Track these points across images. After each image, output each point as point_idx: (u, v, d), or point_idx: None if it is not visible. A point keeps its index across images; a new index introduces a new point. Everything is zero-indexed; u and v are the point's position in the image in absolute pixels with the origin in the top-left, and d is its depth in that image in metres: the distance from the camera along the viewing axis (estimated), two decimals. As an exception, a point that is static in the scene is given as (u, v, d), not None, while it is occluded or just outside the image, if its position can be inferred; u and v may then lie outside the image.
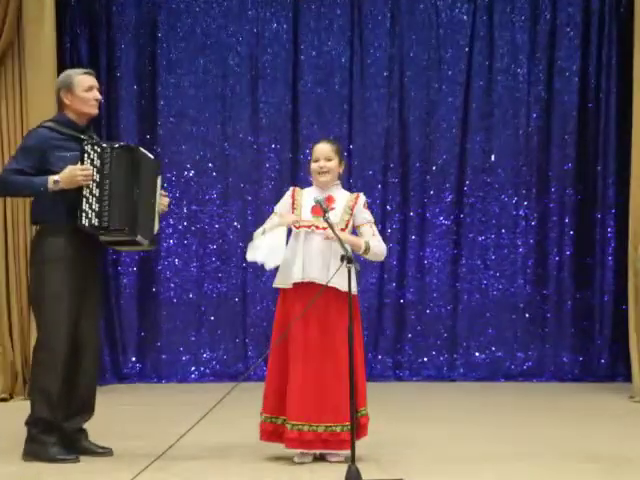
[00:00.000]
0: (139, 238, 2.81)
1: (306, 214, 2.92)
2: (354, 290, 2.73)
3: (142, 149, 2.89)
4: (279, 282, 2.93)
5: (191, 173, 5.18)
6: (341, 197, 2.96)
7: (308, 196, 2.95)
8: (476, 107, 5.25)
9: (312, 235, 2.87)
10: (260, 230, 2.92)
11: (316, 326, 2.83)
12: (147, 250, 3.21)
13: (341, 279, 2.71)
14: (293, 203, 2.97)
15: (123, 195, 2.76)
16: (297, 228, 2.91)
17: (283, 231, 2.84)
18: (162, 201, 2.99)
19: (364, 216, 2.95)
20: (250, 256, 2.85)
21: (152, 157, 2.99)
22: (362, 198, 2.96)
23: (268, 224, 2.95)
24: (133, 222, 2.77)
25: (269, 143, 5.19)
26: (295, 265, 2.82)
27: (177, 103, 5.14)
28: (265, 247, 2.81)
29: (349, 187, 4.91)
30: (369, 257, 2.91)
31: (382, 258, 2.97)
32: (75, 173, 2.76)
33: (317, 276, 2.81)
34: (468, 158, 5.26)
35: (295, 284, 2.86)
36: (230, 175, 5.19)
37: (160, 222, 3.05)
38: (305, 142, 5.08)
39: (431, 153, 5.26)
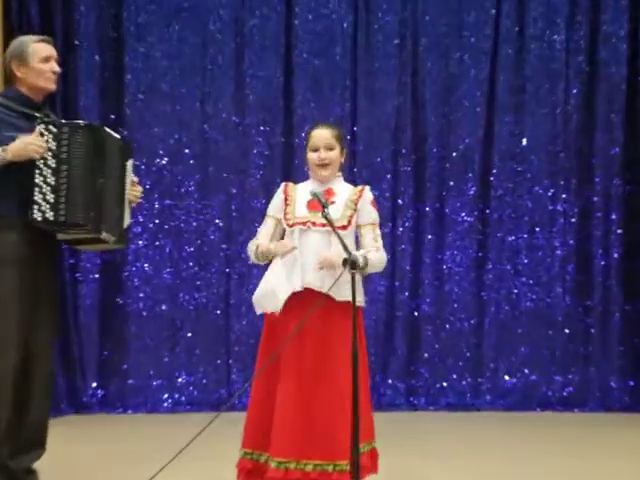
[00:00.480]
0: (104, 235, 2.79)
1: (301, 210, 2.93)
2: (360, 301, 2.74)
3: (107, 129, 2.87)
4: (256, 308, 2.91)
5: (164, 161, 5.15)
6: (342, 190, 2.97)
7: (303, 191, 2.96)
8: (504, 81, 5.23)
9: (308, 233, 2.88)
10: (253, 248, 2.92)
11: (311, 343, 2.82)
12: (115, 249, 3.17)
13: (342, 287, 2.71)
14: (286, 199, 2.98)
15: (84, 184, 2.74)
16: (290, 227, 2.92)
17: (281, 265, 2.84)
18: (133, 190, 2.96)
19: (369, 215, 2.95)
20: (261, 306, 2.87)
21: (119, 138, 2.94)
22: (368, 193, 2.97)
23: (262, 238, 2.94)
24: (96, 216, 2.75)
25: (257, 124, 5.17)
26: (294, 274, 2.82)
27: (147, 77, 5.11)
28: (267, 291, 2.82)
29: (352, 178, 4.98)
30: (366, 271, 2.86)
31: (381, 269, 2.95)
32: (27, 141, 2.72)
33: (311, 281, 2.81)
34: (495, 142, 5.24)
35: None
36: (211, 163, 5.16)
37: (132, 216, 3.01)
38: (300, 123, 5.06)
39: (451, 136, 5.24)
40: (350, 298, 2.63)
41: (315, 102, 5.15)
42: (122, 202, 2.89)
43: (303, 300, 2.79)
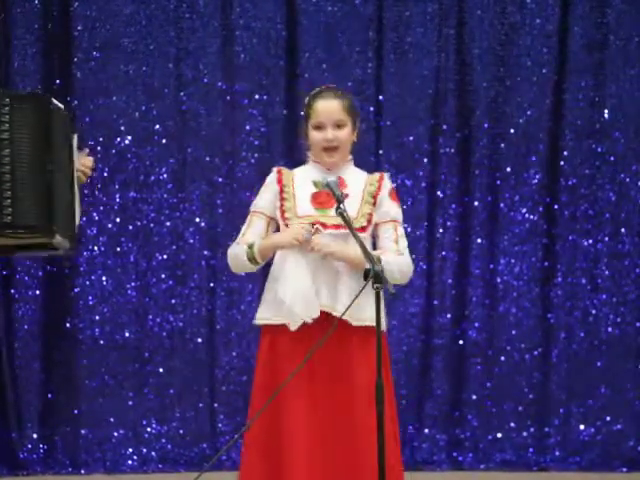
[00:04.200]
0: (57, 240, 2.75)
1: (304, 206, 2.92)
2: (382, 325, 2.74)
3: (54, 100, 2.78)
4: (269, 315, 2.92)
5: (127, 140, 4.96)
6: (356, 179, 2.99)
7: (304, 179, 2.96)
8: (580, 31, 5.02)
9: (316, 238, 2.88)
10: (240, 250, 2.94)
11: (326, 381, 2.85)
12: (61, 255, 3.10)
13: (360, 307, 2.75)
14: (282, 191, 2.97)
15: (32, 173, 2.67)
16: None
17: (305, 266, 2.89)
18: (81, 165, 2.90)
19: (389, 210, 2.97)
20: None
21: (62, 107, 2.84)
22: (388, 182, 3.00)
23: (250, 234, 2.96)
24: (50, 215, 2.69)
25: (250, 92, 4.99)
26: (295, 295, 2.85)
27: (103, 29, 4.93)
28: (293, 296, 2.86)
29: (376, 163, 4.89)
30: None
31: (406, 280, 2.97)
32: None
33: (328, 302, 2.84)
34: (567, 115, 5.05)
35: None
36: (189, 143, 5.01)
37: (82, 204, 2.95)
38: (308, 91, 4.79)
39: (507, 107, 5.04)
40: (369, 322, 2.71)
41: (327, 62, 4.99)
42: (72, 190, 2.84)
43: (314, 323, 2.82)
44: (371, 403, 2.55)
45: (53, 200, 2.71)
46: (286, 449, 2.84)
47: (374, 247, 2.97)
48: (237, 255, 2.92)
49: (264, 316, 2.92)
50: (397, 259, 2.89)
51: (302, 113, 3.05)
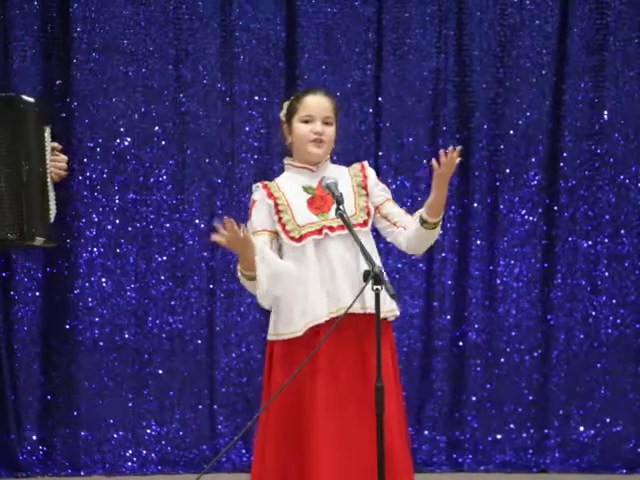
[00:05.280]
0: (38, 241, 2.78)
1: (304, 214, 2.90)
2: (392, 311, 2.87)
3: (24, 96, 2.81)
4: (285, 330, 2.88)
5: (126, 141, 4.97)
6: (340, 175, 2.96)
7: (293, 187, 2.94)
8: (580, 33, 5.00)
9: (326, 243, 2.87)
10: (249, 285, 2.90)
11: (349, 378, 2.84)
12: (46, 247, 3.09)
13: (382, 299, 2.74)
14: (276, 205, 2.93)
15: (7, 175, 2.71)
16: (297, 241, 2.89)
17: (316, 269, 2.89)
18: (55, 163, 2.87)
19: (383, 192, 3.00)
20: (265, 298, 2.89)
21: (34, 102, 2.84)
22: (370, 169, 3.02)
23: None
24: (29, 217, 2.72)
25: (250, 94, 5.01)
26: (313, 298, 2.84)
27: (102, 30, 4.94)
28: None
29: (375, 164, 4.87)
30: (430, 236, 2.95)
31: (431, 244, 3.05)
32: None
33: (350, 301, 2.76)
34: (566, 117, 5.04)
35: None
36: (189, 145, 5.02)
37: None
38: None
39: (507, 109, 5.05)
40: (389, 313, 2.84)
41: (327, 64, 4.99)
42: (46, 188, 2.83)
43: (337, 325, 2.76)
44: (390, 399, 2.61)
45: (31, 201, 2.73)
46: (309, 450, 2.79)
47: (381, 232, 3.00)
48: (246, 286, 2.88)
49: (282, 331, 2.86)
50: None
51: (283, 114, 2.99)
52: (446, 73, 5.00)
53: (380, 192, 2.97)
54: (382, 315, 2.69)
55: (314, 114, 2.90)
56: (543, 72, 4.98)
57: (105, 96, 4.89)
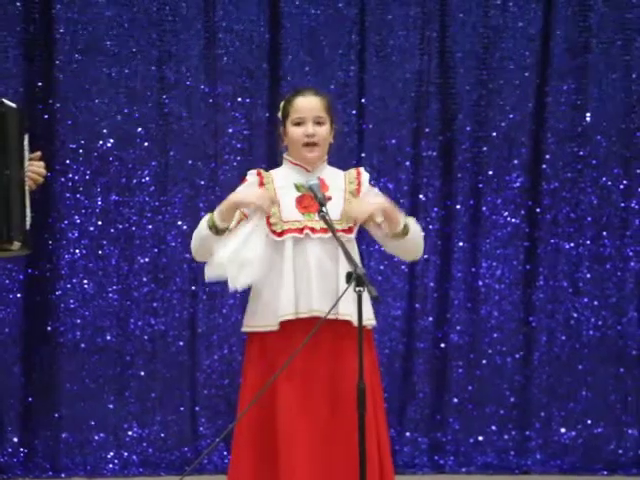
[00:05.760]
0: (15, 247, 2.78)
1: (290, 210, 2.90)
2: (370, 320, 2.84)
3: (6, 101, 2.80)
4: (256, 323, 2.89)
5: (109, 143, 4.95)
6: (335, 179, 2.97)
7: (285, 182, 2.94)
8: (563, 35, 5.00)
9: (306, 243, 2.86)
10: (205, 230, 2.88)
11: (322, 383, 2.84)
12: (19, 254, 3.07)
13: (355, 306, 2.69)
14: None
15: None
16: (278, 235, 2.88)
17: (262, 226, 2.86)
18: (33, 168, 2.86)
19: (374, 198, 2.96)
20: (211, 272, 2.83)
21: (15, 106, 2.84)
22: (366, 176, 3.00)
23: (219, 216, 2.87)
24: (8, 221, 2.74)
25: (233, 95, 4.99)
26: (283, 293, 2.83)
27: (85, 31, 4.90)
28: (233, 252, 2.81)
29: (358, 166, 4.79)
30: (405, 247, 2.96)
31: (419, 253, 3.04)
32: None
33: (322, 307, 2.80)
34: (549, 118, 5.05)
35: (284, 323, 2.84)
36: (172, 146, 4.99)
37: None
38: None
39: (490, 111, 5.05)
40: (367, 322, 2.73)
41: (310, 65, 4.98)
42: (24, 195, 2.83)
43: (308, 330, 2.74)
44: (368, 404, 2.58)
45: (10, 207, 2.74)
46: (283, 451, 2.80)
47: (377, 240, 3.01)
48: (198, 229, 2.88)
49: (252, 323, 2.89)
50: (418, 227, 2.95)
51: (279, 115, 3.02)
52: (429, 75, 4.99)
53: (372, 199, 2.95)
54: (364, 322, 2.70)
55: (305, 116, 2.90)
56: (526, 74, 4.99)
57: (88, 97, 4.86)
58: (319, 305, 2.78)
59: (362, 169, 3.01)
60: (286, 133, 2.94)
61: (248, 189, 2.90)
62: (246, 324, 2.92)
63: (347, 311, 2.74)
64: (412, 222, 2.92)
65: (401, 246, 2.92)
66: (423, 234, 3.01)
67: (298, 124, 2.91)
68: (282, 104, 3.01)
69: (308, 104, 2.92)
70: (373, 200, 2.87)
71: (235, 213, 2.84)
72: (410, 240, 2.89)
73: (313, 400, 2.82)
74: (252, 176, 2.95)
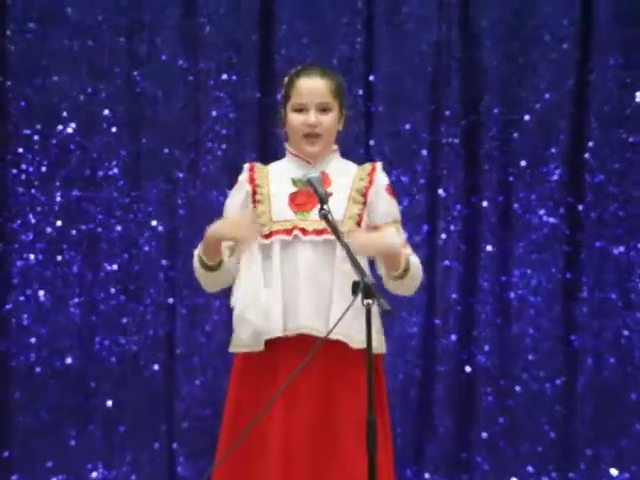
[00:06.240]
0: None
1: (282, 209, 2.86)
2: (378, 347, 2.76)
3: None
4: (239, 343, 2.86)
5: (70, 128, 4.75)
6: (342, 174, 2.91)
7: (281, 176, 2.92)
8: (609, 1, 4.78)
9: (295, 246, 2.81)
10: (199, 269, 2.88)
11: (310, 414, 2.79)
12: None
13: (357, 326, 2.62)
14: (255, 193, 2.90)
15: None
16: (266, 237, 2.83)
17: (257, 261, 2.82)
18: None
19: (389, 210, 2.91)
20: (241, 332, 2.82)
21: None
22: (382, 175, 2.92)
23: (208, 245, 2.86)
24: None
25: (218, 72, 4.79)
26: (269, 309, 2.81)
27: None
28: (254, 305, 2.80)
29: (366, 156, 4.71)
30: (402, 285, 2.87)
31: (414, 290, 2.96)
32: None
33: (311, 323, 2.77)
34: (592, 99, 4.81)
35: (269, 342, 2.80)
36: (144, 132, 4.80)
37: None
38: (285, 70, 4.43)
39: (522, 90, 4.82)
40: (378, 349, 2.73)
41: (309, 36, 4.79)
42: None
43: (297, 349, 2.73)
44: (361, 432, 2.45)
45: None
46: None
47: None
48: (194, 266, 2.86)
49: (236, 342, 2.85)
50: (418, 263, 2.86)
51: (281, 95, 2.90)
52: (449, 47, 4.76)
53: (384, 209, 2.89)
54: (361, 345, 2.59)
55: (307, 102, 2.83)
56: (565, 46, 4.75)
57: (45, 74, 4.67)
58: (306, 321, 2.74)
59: (379, 164, 2.93)
60: (285, 120, 2.89)
61: (223, 221, 2.85)
62: (232, 343, 2.88)
63: (339, 329, 2.59)
64: (412, 260, 2.82)
65: (396, 286, 2.85)
66: (421, 267, 2.89)
67: (299, 110, 2.83)
68: (285, 81, 2.92)
69: (311, 88, 2.84)
70: (380, 241, 2.77)
71: (220, 247, 2.83)
72: (407, 281, 2.80)
73: (300, 429, 2.76)
74: (243, 174, 2.91)
